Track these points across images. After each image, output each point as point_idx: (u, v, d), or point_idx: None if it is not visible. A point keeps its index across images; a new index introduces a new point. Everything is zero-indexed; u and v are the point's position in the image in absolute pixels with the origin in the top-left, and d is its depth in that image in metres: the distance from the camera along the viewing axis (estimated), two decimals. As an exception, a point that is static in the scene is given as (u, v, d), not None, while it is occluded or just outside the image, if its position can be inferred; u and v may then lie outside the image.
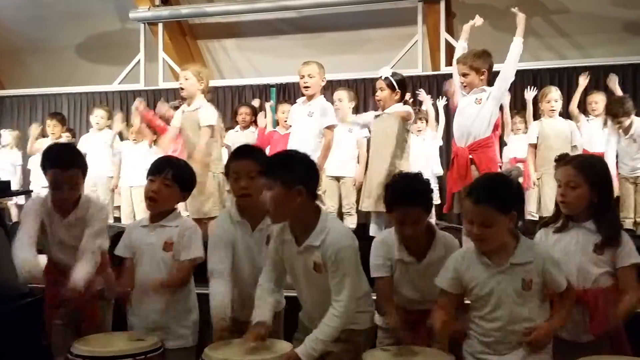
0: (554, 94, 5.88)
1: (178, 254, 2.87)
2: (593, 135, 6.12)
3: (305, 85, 4.86)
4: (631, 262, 2.50)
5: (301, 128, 4.88)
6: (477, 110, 4.19)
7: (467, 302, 2.51)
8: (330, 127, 4.80)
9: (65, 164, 2.94)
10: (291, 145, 4.73)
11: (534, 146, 5.86)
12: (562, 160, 2.67)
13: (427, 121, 6.82)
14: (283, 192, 2.38)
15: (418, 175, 2.72)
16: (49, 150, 3.11)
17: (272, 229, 2.65)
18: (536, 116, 6.70)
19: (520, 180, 2.52)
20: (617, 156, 5.75)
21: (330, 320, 2.37)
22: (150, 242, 2.89)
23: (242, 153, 2.87)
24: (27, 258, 2.80)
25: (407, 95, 5.35)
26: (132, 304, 2.90)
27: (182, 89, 4.93)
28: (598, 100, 6.27)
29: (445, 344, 2.47)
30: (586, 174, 2.54)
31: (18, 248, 2.86)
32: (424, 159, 6.23)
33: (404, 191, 2.62)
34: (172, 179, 2.87)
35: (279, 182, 2.39)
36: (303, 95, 4.99)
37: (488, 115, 4.18)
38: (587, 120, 6.36)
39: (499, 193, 2.35)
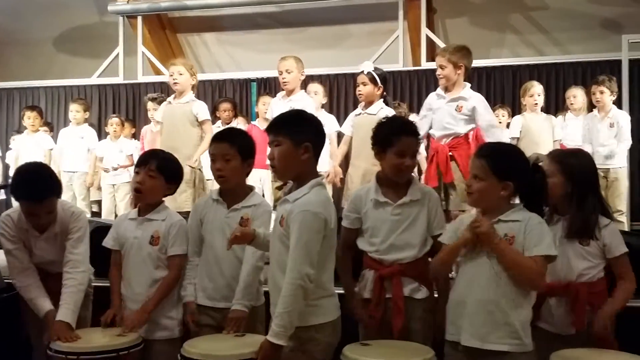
0: (537, 89, 5.92)
1: (164, 249, 2.89)
2: (574, 130, 6.17)
3: (283, 80, 4.87)
4: (620, 252, 2.56)
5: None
6: (459, 115, 4.21)
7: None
8: None
9: (39, 197, 2.84)
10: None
11: (517, 140, 5.86)
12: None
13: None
14: (292, 148, 2.38)
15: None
16: (19, 182, 2.91)
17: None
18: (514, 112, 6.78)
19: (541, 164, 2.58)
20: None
21: (285, 290, 2.27)
22: (137, 236, 2.91)
23: (220, 136, 2.92)
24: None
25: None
26: (120, 295, 2.90)
27: (175, 83, 4.93)
28: (577, 95, 6.32)
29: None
30: (560, 164, 2.62)
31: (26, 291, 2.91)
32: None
33: (406, 122, 2.85)
34: (156, 169, 2.90)
35: (288, 137, 2.39)
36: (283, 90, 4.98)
37: (468, 122, 4.23)
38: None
39: (498, 155, 2.45)
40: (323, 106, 5.93)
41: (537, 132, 5.78)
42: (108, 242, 2.98)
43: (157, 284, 2.85)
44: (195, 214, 2.92)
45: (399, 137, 2.69)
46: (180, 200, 4.53)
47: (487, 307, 2.33)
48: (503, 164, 2.41)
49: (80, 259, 2.93)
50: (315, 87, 5.72)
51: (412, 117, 6.50)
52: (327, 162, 5.52)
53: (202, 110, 4.93)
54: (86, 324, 3.02)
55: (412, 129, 2.76)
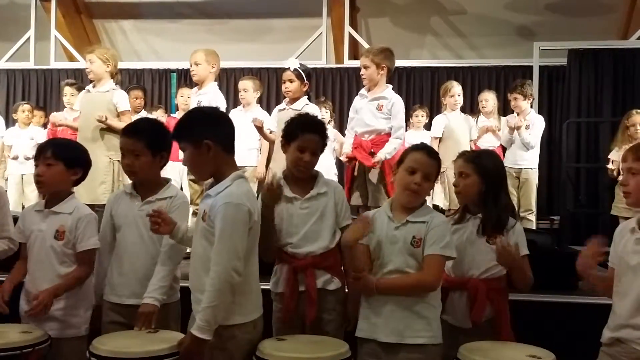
0: (457, 89, 6.05)
1: (71, 244, 2.78)
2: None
3: (192, 73, 4.84)
4: (521, 253, 2.66)
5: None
6: (379, 114, 4.34)
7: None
8: None
9: None
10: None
11: (439, 140, 5.92)
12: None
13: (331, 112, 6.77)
14: (193, 151, 2.38)
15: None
16: None
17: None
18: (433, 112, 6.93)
19: None
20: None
21: (210, 284, 2.23)
22: (42, 229, 2.80)
23: (127, 131, 2.85)
24: None
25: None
26: (24, 291, 2.79)
27: (88, 72, 4.79)
28: (489, 99, 6.52)
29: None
30: (475, 164, 2.75)
31: None
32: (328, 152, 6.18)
33: (311, 120, 2.90)
34: (52, 156, 2.79)
35: (186, 142, 2.40)
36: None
37: (389, 121, 4.35)
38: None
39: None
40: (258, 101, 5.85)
41: (458, 131, 5.89)
42: (15, 235, 2.88)
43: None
44: (107, 209, 2.85)
45: (303, 133, 2.75)
46: (98, 192, 4.39)
47: (404, 304, 2.42)
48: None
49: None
50: (245, 84, 5.63)
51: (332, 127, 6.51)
52: (256, 158, 5.48)
53: (122, 100, 4.76)
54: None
55: (317, 128, 2.81)
